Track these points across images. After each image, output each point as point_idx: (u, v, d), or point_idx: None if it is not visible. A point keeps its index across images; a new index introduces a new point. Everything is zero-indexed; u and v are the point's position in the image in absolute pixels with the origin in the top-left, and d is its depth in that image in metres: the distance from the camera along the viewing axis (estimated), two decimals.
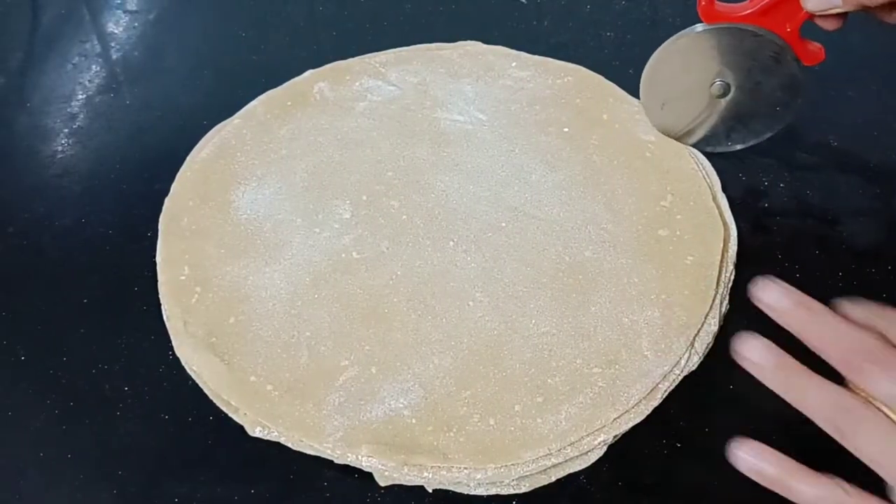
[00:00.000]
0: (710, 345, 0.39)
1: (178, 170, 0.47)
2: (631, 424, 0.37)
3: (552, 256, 0.42)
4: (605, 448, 0.37)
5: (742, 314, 0.41)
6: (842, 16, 0.39)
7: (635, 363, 0.38)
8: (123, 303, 0.44)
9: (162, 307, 0.41)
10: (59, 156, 0.53)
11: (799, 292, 0.31)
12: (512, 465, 0.35)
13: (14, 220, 0.49)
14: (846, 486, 0.28)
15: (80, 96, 0.57)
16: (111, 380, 0.41)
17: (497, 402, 0.37)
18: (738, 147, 0.47)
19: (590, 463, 0.36)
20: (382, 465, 0.35)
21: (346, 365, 0.38)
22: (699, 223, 0.43)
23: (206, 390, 0.39)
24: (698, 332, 0.39)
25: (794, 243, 0.46)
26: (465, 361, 0.38)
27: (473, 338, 0.39)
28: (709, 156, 0.47)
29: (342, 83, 0.51)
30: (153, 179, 0.49)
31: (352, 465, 0.36)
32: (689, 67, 0.44)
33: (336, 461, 0.36)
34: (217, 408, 0.38)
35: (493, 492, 0.36)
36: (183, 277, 0.42)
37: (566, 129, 0.48)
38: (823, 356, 0.29)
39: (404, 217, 0.44)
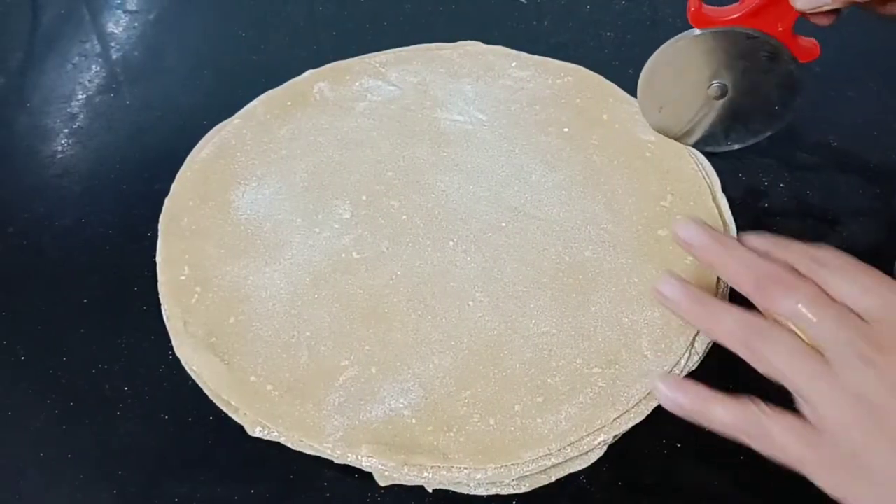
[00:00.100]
0: (710, 345, 0.39)
1: (178, 170, 0.47)
2: (631, 424, 0.37)
3: (552, 256, 0.42)
4: (605, 448, 0.37)
5: None
6: (834, 12, 0.39)
7: (635, 363, 0.38)
8: (123, 303, 0.44)
9: (162, 307, 0.41)
10: (59, 156, 0.53)
11: (713, 229, 0.34)
12: (512, 465, 0.35)
13: (14, 220, 0.49)
14: (762, 404, 0.29)
15: (80, 96, 0.57)
16: (111, 380, 0.41)
17: (497, 402, 0.37)
18: (738, 147, 0.47)
19: (590, 463, 0.36)
20: (382, 465, 0.35)
21: (346, 365, 0.38)
22: None
23: (206, 390, 0.38)
24: (698, 332, 0.39)
25: None
26: (465, 361, 0.38)
27: (473, 338, 0.39)
28: (709, 156, 0.47)
29: (342, 83, 0.51)
30: (153, 179, 0.49)
31: (352, 465, 0.36)
32: (685, 71, 0.44)
33: (336, 461, 0.36)
34: (217, 408, 0.38)
35: (493, 492, 0.36)
36: (183, 277, 0.42)
37: (566, 129, 0.48)
38: (736, 286, 0.32)
39: (404, 217, 0.44)
